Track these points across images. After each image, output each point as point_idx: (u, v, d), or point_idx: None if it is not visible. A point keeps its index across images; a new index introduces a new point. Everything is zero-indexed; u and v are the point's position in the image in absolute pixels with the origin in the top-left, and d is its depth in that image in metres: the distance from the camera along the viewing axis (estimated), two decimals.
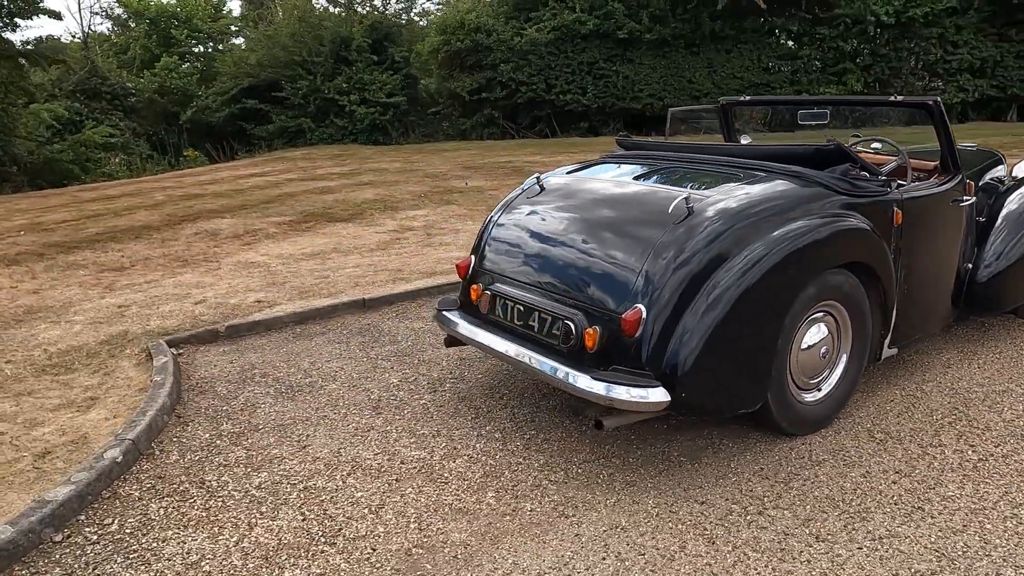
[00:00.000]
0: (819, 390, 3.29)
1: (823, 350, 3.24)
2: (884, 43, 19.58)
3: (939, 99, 3.59)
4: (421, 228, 8.48)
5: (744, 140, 4.77)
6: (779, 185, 3.19)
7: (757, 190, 3.15)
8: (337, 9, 21.45)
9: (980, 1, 19.26)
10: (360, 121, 20.27)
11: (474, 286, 3.60)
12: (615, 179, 3.66)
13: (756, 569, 2.42)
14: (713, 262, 2.88)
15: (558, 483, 2.99)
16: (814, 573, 2.39)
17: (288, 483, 3.07)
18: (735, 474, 2.99)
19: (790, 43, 20.15)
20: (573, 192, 3.64)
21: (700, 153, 3.77)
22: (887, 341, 3.48)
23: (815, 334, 3.18)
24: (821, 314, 3.21)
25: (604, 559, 2.50)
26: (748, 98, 4.94)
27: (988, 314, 4.31)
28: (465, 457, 3.22)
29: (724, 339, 2.82)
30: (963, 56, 19.84)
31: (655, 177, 3.62)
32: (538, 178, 3.82)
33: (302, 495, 2.97)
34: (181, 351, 4.63)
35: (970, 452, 3.08)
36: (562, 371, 2.94)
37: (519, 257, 3.48)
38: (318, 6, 22.08)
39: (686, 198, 3.01)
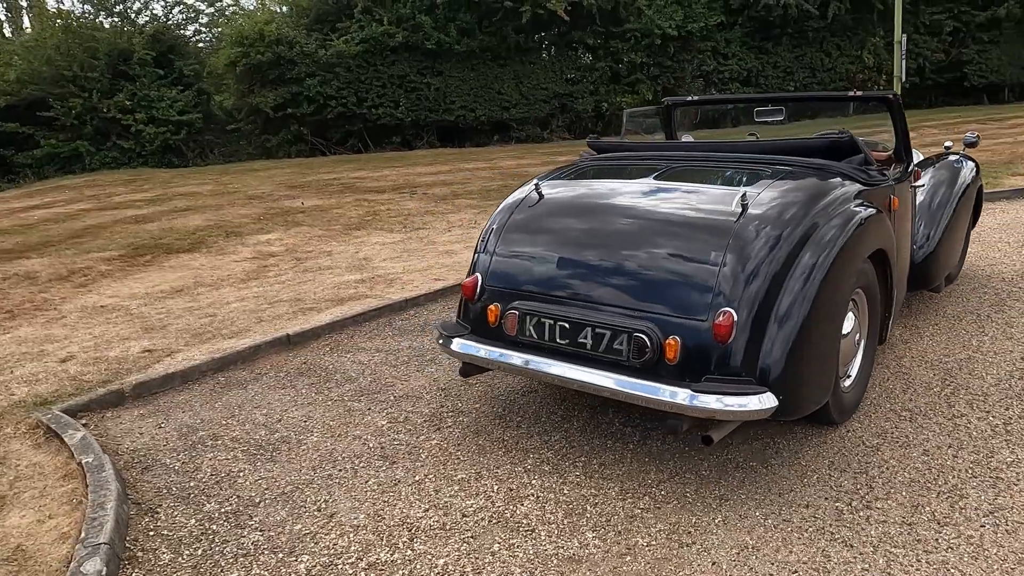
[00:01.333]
0: (850, 376, 3.34)
1: (856, 337, 3.30)
2: (669, 55, 21.30)
3: (898, 92, 3.84)
4: (284, 253, 7.73)
5: (686, 138, 4.82)
6: (818, 178, 3.20)
7: (805, 184, 3.13)
8: (111, 19, 19.14)
9: (743, 18, 21.63)
10: (149, 142, 18.27)
11: (491, 307, 3.24)
12: (637, 182, 3.48)
13: (912, 565, 2.35)
14: (788, 258, 2.80)
15: (651, 510, 2.74)
16: (964, 559, 2.37)
17: (344, 563, 2.52)
18: (813, 471, 2.94)
19: (588, 56, 21.25)
20: (591, 198, 3.41)
21: (701, 151, 3.71)
22: (891, 322, 3.64)
23: (849, 322, 3.22)
24: (851, 302, 3.27)
25: None
26: (695, 98, 4.99)
27: (917, 290, 4.72)
28: (531, 498, 2.87)
29: (808, 336, 2.75)
30: (732, 67, 22.17)
31: (681, 177, 3.48)
32: (537, 186, 3.54)
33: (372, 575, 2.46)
34: (83, 421, 3.74)
35: (992, 418, 3.28)
36: (650, 388, 2.70)
37: (549, 270, 3.18)
38: (83, 14, 19.53)
39: (743, 195, 2.91)
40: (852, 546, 2.46)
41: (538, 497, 2.87)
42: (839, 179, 3.24)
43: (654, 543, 2.54)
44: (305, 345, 4.78)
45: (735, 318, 2.66)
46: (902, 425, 3.26)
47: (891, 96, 3.83)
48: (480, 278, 3.36)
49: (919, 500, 2.70)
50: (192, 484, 3.10)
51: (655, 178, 3.43)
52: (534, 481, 2.98)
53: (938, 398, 3.50)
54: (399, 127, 20.06)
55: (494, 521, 2.73)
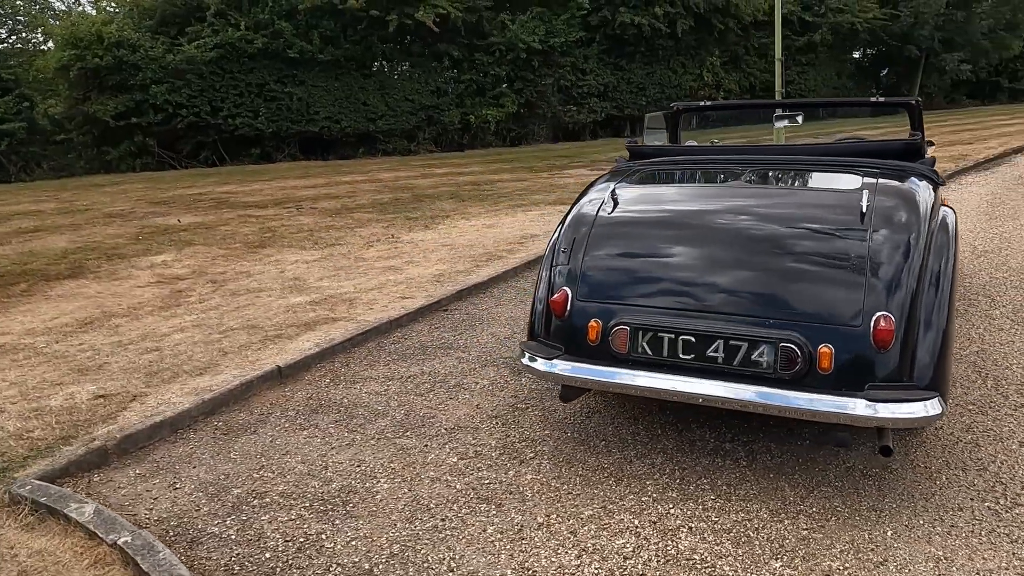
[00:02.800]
0: None
1: None
2: (532, 69, 21.65)
3: (919, 98, 4.00)
4: (193, 276, 6.91)
5: (689, 143, 4.77)
6: (914, 182, 3.20)
7: (909, 189, 3.11)
8: None
9: (600, 35, 22.47)
10: None
11: (591, 323, 2.96)
12: (728, 186, 3.33)
13: None
14: (925, 259, 2.76)
15: (816, 529, 2.58)
16: None
17: None
18: (937, 472, 2.91)
19: (454, 69, 21.12)
20: (686, 203, 3.23)
21: (763, 153, 3.64)
22: None
23: None
24: None
25: None
26: (706, 103, 4.94)
27: None
28: (684, 529, 2.61)
29: (948, 340, 2.72)
30: (591, 81, 22.95)
31: (774, 180, 3.36)
32: (613, 193, 3.30)
33: None
34: (70, 489, 3.02)
35: None
36: (817, 401, 2.54)
37: (660, 281, 2.95)
38: None
39: (864, 199, 2.85)
40: None
41: (691, 527, 2.62)
42: (924, 182, 3.27)
43: (847, 565, 2.39)
44: (299, 378, 4.21)
45: (894, 322, 2.57)
46: (978, 418, 3.34)
47: (914, 102, 3.99)
48: (570, 293, 3.06)
49: None
50: (269, 557, 2.55)
51: (747, 181, 3.31)
52: (672, 510, 2.73)
53: (989, 390, 3.64)
54: (259, 138, 18.84)
55: (665, 560, 2.45)
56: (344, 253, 7.64)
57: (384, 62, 20.02)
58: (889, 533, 2.55)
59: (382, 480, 3.04)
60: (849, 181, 3.18)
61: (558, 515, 2.74)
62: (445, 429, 3.49)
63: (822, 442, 3.11)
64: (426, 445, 3.34)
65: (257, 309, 5.56)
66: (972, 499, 2.72)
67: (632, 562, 2.45)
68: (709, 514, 2.70)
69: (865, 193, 2.91)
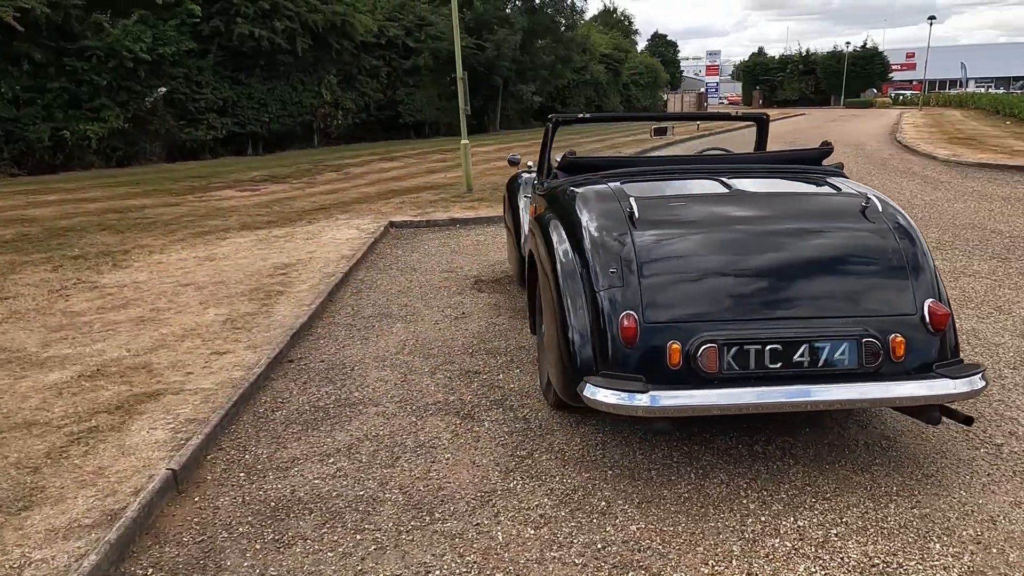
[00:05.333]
0: None
1: None
2: (139, 79, 18.93)
3: (767, 114, 4.55)
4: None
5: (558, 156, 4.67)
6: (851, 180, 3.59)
7: (868, 187, 3.50)
8: None
9: (215, 47, 20.67)
10: None
11: (671, 345, 2.78)
12: (732, 194, 3.33)
13: None
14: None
15: (920, 530, 2.80)
16: None
17: None
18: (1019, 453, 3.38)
19: (37, 75, 17.34)
20: (705, 210, 3.17)
21: (721, 163, 3.75)
22: None
23: None
24: None
25: None
26: (585, 115, 4.77)
27: None
28: (795, 538, 2.60)
29: None
30: (208, 96, 21.00)
31: (762, 186, 3.45)
32: (630, 204, 3.11)
33: None
34: None
35: None
36: (916, 386, 2.76)
37: (728, 292, 2.89)
38: None
39: (865, 198, 3.18)
40: None
41: (799, 547, 2.63)
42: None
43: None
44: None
45: (944, 307, 2.91)
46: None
47: (764, 116, 4.55)
48: (636, 316, 2.82)
49: None
50: None
51: (737, 187, 3.38)
52: (788, 523, 2.70)
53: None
54: None
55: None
56: (34, 308, 5.79)
57: None
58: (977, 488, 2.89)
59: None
60: (819, 184, 3.50)
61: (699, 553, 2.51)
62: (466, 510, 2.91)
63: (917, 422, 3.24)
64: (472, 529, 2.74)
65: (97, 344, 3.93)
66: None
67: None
68: (815, 529, 2.74)
69: (857, 194, 3.24)
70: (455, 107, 32.97)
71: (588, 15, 43.97)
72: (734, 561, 2.49)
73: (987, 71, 76.32)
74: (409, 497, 2.95)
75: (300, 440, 3.46)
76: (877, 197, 3.19)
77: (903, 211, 3.26)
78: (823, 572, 2.42)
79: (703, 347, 2.76)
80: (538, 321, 4.03)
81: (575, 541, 2.62)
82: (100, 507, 2.82)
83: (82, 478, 3.06)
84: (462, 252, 7.75)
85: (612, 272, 2.93)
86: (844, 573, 2.42)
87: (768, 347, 2.79)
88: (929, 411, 2.83)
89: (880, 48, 69.76)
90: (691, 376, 2.78)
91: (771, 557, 2.51)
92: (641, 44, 66.10)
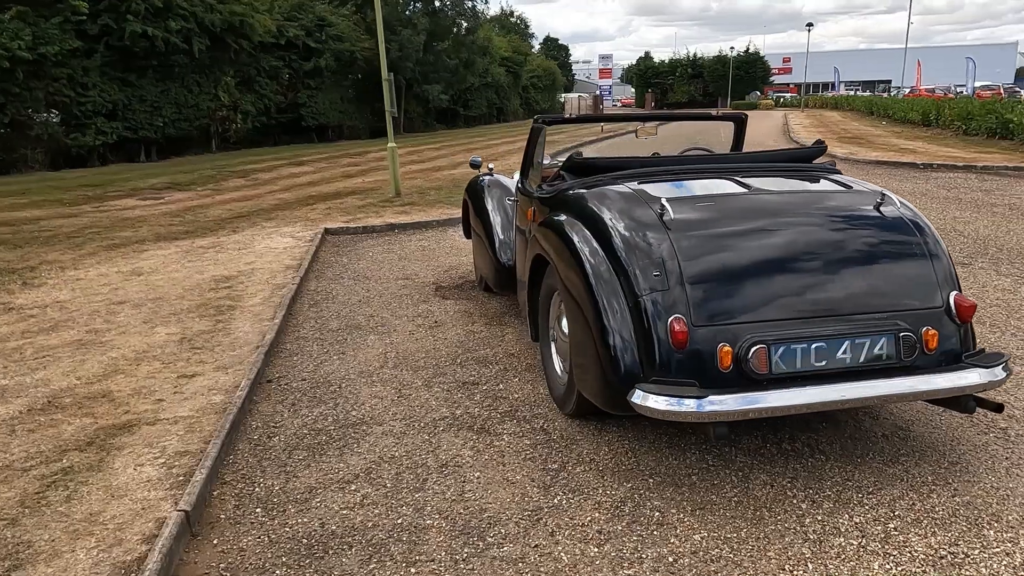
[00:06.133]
0: None
1: None
2: (17, 81, 17.43)
3: (746, 114, 4.59)
4: None
5: (548, 160, 4.56)
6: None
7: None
8: None
9: (103, 46, 19.32)
10: None
11: (722, 348, 2.74)
12: (757, 192, 3.30)
13: None
14: None
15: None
16: None
17: None
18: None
19: None
20: (731, 208, 3.14)
21: (725, 163, 3.73)
22: None
23: None
24: None
25: None
26: (571, 115, 4.62)
27: None
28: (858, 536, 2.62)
29: None
30: (95, 99, 19.61)
31: (777, 185, 3.44)
32: (662, 205, 3.04)
33: None
34: None
35: None
36: (954, 377, 2.82)
37: (771, 292, 2.87)
38: None
39: (880, 196, 3.24)
40: None
41: (863, 542, 2.65)
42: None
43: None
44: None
45: (967, 298, 2.99)
46: None
47: (743, 116, 4.59)
48: (685, 319, 2.76)
49: None
50: None
51: (755, 186, 3.37)
52: (859, 514, 2.71)
53: None
54: None
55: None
56: None
57: None
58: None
59: None
60: (826, 182, 3.53)
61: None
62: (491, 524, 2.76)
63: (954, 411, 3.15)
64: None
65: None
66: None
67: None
68: (870, 525, 2.76)
69: (870, 191, 3.29)
70: (359, 110, 32.37)
71: (489, 18, 43.98)
72: (809, 564, 2.46)
73: (854, 75, 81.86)
74: (452, 522, 2.76)
75: (310, 468, 3.20)
76: (889, 194, 3.26)
77: (912, 206, 3.34)
78: (898, 567, 2.43)
79: (754, 348, 2.73)
80: (541, 329, 3.92)
81: (644, 556, 2.53)
82: (109, 560, 2.49)
83: (73, 527, 2.70)
84: (411, 259, 7.51)
85: (656, 275, 2.85)
86: (918, 567, 2.43)
87: (813, 345, 2.79)
88: (965, 400, 2.90)
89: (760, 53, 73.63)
90: (742, 378, 2.74)
91: (843, 557, 2.49)
92: (534, 48, 66.94)
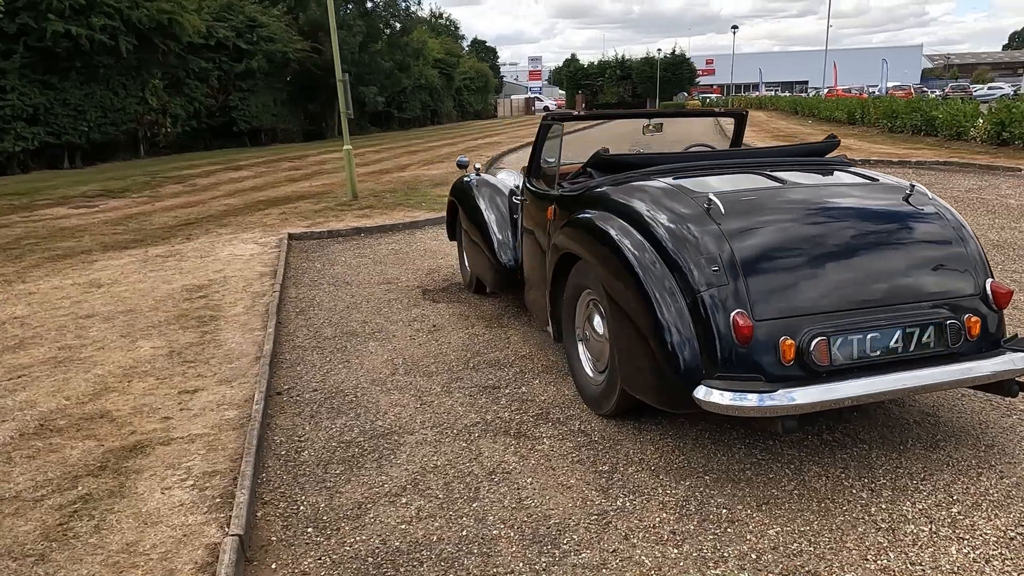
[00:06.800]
0: None
1: None
2: None
3: (747, 110, 4.63)
4: None
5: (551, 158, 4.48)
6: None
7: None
8: None
9: (22, 47, 18.25)
10: None
11: (784, 342, 2.74)
12: (793, 186, 3.31)
13: None
14: None
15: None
16: None
17: None
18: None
19: None
20: (777, 199, 3.15)
21: (748, 157, 3.73)
22: None
23: None
24: None
25: None
26: (582, 112, 4.53)
27: None
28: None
29: None
30: (15, 103, 18.51)
31: (809, 179, 3.46)
32: (710, 200, 3.02)
33: None
34: None
35: None
36: (999, 363, 2.89)
37: (825, 284, 2.88)
38: None
39: (909, 187, 3.30)
40: None
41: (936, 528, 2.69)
42: None
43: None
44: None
45: (1003, 285, 3.07)
46: None
47: (744, 112, 4.63)
48: (749, 314, 2.74)
49: None
50: None
51: (789, 180, 3.38)
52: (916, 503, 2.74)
53: None
54: None
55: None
56: None
57: None
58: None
59: None
60: (849, 175, 3.58)
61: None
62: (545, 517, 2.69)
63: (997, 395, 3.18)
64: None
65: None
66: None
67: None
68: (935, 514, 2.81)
69: (897, 184, 3.36)
70: (292, 113, 31.61)
71: (429, 20, 43.60)
72: (889, 553, 2.47)
73: (773, 76, 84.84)
74: (520, 531, 2.67)
75: (351, 482, 3.05)
76: (918, 186, 3.33)
77: (939, 197, 3.42)
78: (974, 551, 2.47)
79: (815, 340, 2.74)
80: (566, 329, 3.85)
81: (727, 555, 2.49)
82: None
83: (113, 560, 2.49)
84: (386, 262, 7.33)
85: (714, 270, 2.83)
86: (992, 549, 2.48)
87: (869, 335, 2.82)
88: (1009, 384, 2.98)
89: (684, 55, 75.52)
90: (804, 371, 2.75)
91: (919, 544, 2.52)
92: (464, 50, 66.80)
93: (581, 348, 3.74)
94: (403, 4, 35.82)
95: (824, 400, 2.66)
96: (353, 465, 3.19)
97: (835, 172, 3.66)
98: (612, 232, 3.21)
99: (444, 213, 10.04)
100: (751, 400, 2.61)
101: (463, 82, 51.23)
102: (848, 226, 3.07)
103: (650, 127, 4.73)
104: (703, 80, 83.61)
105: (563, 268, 3.75)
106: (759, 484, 2.93)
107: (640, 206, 3.22)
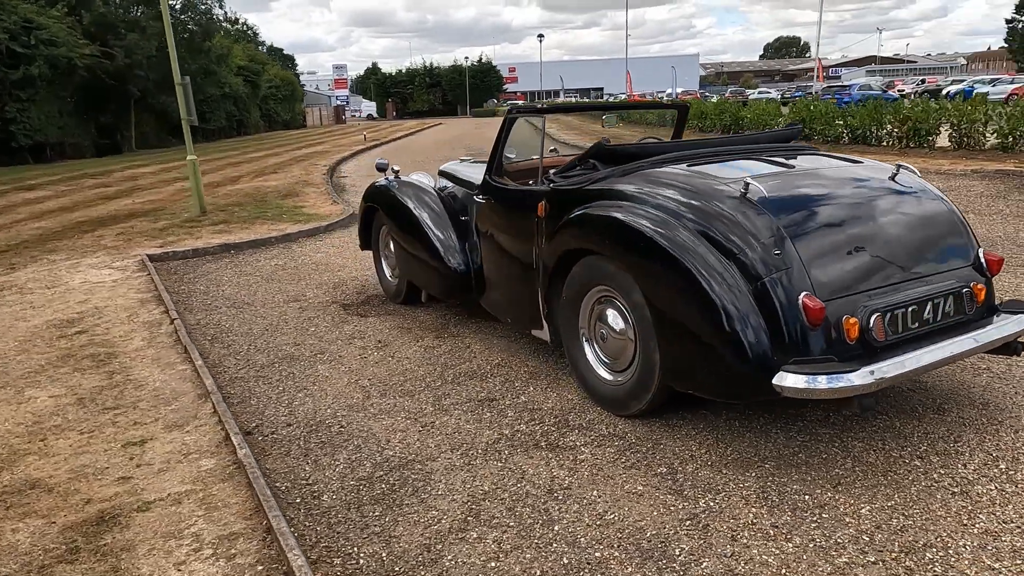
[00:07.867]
0: None
1: None
2: None
3: (689, 103, 4.66)
4: None
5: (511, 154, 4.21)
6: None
7: None
8: None
9: None
10: None
11: (848, 320, 2.76)
12: (805, 170, 3.33)
13: None
14: None
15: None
16: None
17: None
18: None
19: None
20: (804, 186, 3.16)
21: (713, 146, 3.72)
22: None
23: None
24: None
25: None
26: (544, 105, 4.19)
27: None
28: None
29: None
30: None
31: (809, 164, 3.51)
32: (746, 184, 2.97)
33: None
34: None
35: None
36: (1008, 323, 3.09)
37: (866, 261, 2.93)
38: None
39: (897, 167, 3.47)
40: None
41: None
42: None
43: None
44: None
45: (995, 254, 3.30)
46: None
47: (686, 105, 4.67)
48: (816, 295, 2.73)
49: None
50: None
51: (797, 165, 3.42)
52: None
53: None
54: None
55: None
56: None
57: None
58: None
59: None
60: (835, 160, 3.69)
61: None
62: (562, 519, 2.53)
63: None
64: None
65: None
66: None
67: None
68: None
69: (881, 165, 3.52)
70: (81, 125, 28.28)
71: (223, 26, 40.68)
72: (979, 514, 2.55)
73: (571, 83, 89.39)
74: (622, 548, 2.45)
75: (400, 523, 2.65)
76: (905, 164, 3.51)
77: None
78: None
79: (873, 316, 2.77)
80: (566, 330, 3.66)
81: (840, 540, 2.44)
82: None
83: None
84: (279, 280, 6.66)
85: (776, 254, 2.77)
86: None
87: (910, 308, 2.91)
88: (1015, 344, 3.19)
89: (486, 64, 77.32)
90: (865, 348, 2.77)
91: (998, 501, 2.62)
92: None
93: (588, 349, 3.56)
94: (202, 6, 33.33)
95: (902, 373, 2.70)
96: (391, 504, 2.78)
97: (812, 156, 3.78)
98: (645, 223, 3.07)
99: (315, 225, 9.52)
100: (842, 381, 2.58)
101: (269, 91, 48.70)
102: (870, 206, 3.15)
103: (605, 120, 4.65)
104: (508, 87, 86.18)
105: (563, 265, 3.56)
106: (817, 466, 2.92)
107: (671, 193, 3.10)
